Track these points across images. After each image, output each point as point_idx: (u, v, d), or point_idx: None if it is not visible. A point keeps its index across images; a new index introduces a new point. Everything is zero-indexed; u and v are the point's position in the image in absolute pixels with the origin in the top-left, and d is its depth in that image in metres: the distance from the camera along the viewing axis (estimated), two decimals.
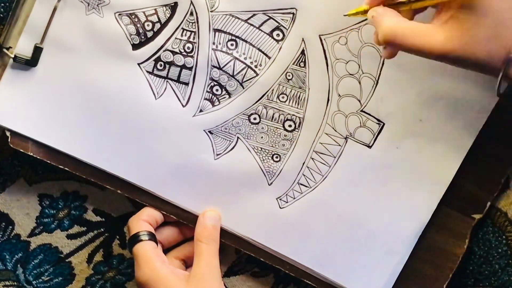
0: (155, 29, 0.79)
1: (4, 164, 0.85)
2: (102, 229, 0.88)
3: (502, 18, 0.65)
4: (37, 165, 0.85)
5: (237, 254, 0.88)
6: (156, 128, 0.81)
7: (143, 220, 0.83)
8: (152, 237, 0.82)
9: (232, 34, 0.79)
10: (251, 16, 0.79)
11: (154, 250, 0.81)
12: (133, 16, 0.79)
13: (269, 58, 0.80)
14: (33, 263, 0.88)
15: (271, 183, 0.83)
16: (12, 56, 0.78)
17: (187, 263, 0.84)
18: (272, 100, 0.81)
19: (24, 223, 0.87)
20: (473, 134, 0.80)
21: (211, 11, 0.79)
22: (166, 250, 0.85)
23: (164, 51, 0.79)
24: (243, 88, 0.80)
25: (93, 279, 0.90)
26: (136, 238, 0.81)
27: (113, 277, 0.90)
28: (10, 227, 0.87)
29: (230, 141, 0.82)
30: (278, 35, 0.79)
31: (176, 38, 0.79)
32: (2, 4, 0.80)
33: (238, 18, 0.79)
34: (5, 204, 0.86)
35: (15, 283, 0.89)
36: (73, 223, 0.87)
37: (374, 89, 0.80)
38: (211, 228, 0.82)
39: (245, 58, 0.80)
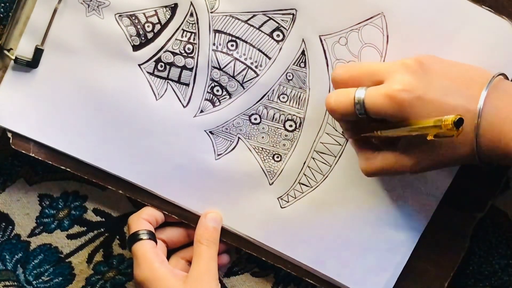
0: (156, 30, 0.81)
1: (4, 164, 0.86)
2: (102, 229, 0.89)
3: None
4: (37, 165, 0.86)
5: (238, 253, 0.89)
6: (157, 129, 0.83)
7: (143, 219, 0.84)
8: (152, 236, 0.84)
9: (232, 35, 0.81)
10: (251, 17, 0.80)
11: (153, 249, 0.83)
12: (133, 18, 0.80)
13: (270, 58, 0.81)
14: (33, 263, 0.90)
15: (272, 183, 0.85)
16: (13, 57, 0.80)
17: None
18: (272, 101, 0.83)
19: (24, 223, 0.88)
20: None
21: (211, 12, 0.80)
22: (173, 251, 0.87)
23: (164, 52, 0.81)
24: (244, 88, 0.82)
25: (93, 279, 0.91)
26: (135, 237, 0.83)
27: (113, 277, 0.91)
28: (10, 227, 0.88)
29: (231, 141, 0.84)
30: (278, 35, 0.81)
31: (176, 39, 0.81)
32: (2, 4, 0.82)
33: (238, 19, 0.80)
34: (5, 204, 0.88)
35: (15, 283, 0.90)
36: (73, 223, 0.89)
37: None
38: (212, 230, 0.84)
39: (246, 59, 0.81)
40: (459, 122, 0.66)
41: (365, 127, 0.77)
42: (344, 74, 0.77)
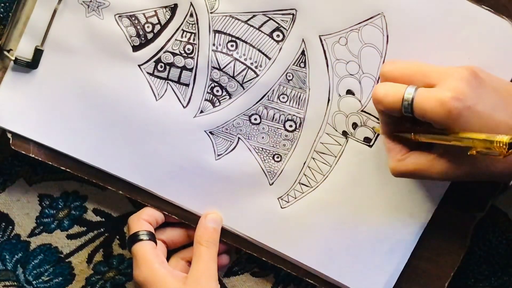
0: (155, 31, 0.81)
1: (4, 164, 0.87)
2: (102, 229, 0.90)
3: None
4: (37, 165, 0.87)
5: (238, 254, 0.90)
6: (157, 129, 0.83)
7: (143, 219, 0.85)
8: (152, 237, 0.84)
9: (232, 35, 0.81)
10: (251, 17, 0.81)
11: (153, 250, 0.83)
12: (133, 18, 0.81)
13: (269, 58, 0.82)
14: (33, 263, 0.90)
15: (272, 183, 0.85)
16: (13, 58, 0.80)
17: None
18: (272, 101, 0.83)
19: (24, 223, 0.89)
20: None
21: (211, 13, 0.81)
22: (173, 251, 0.87)
23: (164, 52, 0.82)
24: (244, 88, 0.82)
25: (93, 279, 0.91)
26: (135, 237, 0.83)
27: (113, 277, 0.91)
28: (10, 227, 0.89)
29: (231, 141, 0.84)
30: (278, 36, 0.81)
31: (176, 39, 0.81)
32: (2, 4, 0.82)
33: (238, 19, 0.81)
34: (5, 204, 0.88)
35: (15, 283, 0.90)
36: (73, 223, 0.89)
37: None
38: (212, 231, 0.84)
39: (245, 59, 0.82)
40: None
41: (404, 125, 0.78)
42: (395, 71, 0.76)
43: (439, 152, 0.75)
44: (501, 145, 0.66)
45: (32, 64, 0.81)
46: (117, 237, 0.90)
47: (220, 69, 0.82)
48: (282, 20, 0.81)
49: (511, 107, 0.72)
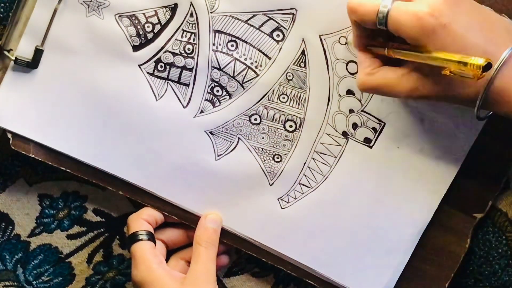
0: (155, 31, 0.82)
1: (4, 164, 0.87)
2: (102, 229, 0.90)
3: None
4: (37, 165, 0.87)
5: (238, 254, 0.90)
6: (157, 129, 0.83)
7: (143, 219, 0.85)
8: (151, 237, 0.84)
9: (232, 35, 0.82)
10: (251, 17, 0.81)
11: (151, 250, 0.84)
12: (133, 18, 0.81)
13: (270, 58, 0.82)
14: (33, 263, 0.91)
15: (272, 183, 0.86)
16: (13, 58, 0.80)
17: None
18: (272, 101, 0.83)
19: (24, 223, 0.89)
20: (475, 133, 0.83)
21: (211, 12, 0.81)
22: (173, 251, 0.88)
23: (164, 52, 0.82)
24: (244, 88, 0.83)
25: (93, 279, 0.92)
26: (135, 237, 0.84)
27: (113, 277, 0.92)
28: (10, 227, 0.89)
29: (231, 141, 0.84)
30: (278, 35, 0.82)
31: (176, 39, 0.82)
32: (2, 4, 0.82)
33: (238, 19, 0.81)
34: (5, 204, 0.89)
35: (15, 283, 0.91)
36: (73, 223, 0.90)
37: None
38: (211, 231, 0.85)
39: (246, 59, 0.82)
40: (486, 67, 0.65)
41: (377, 40, 0.77)
42: None
43: (409, 68, 0.74)
44: (475, 67, 0.65)
45: (32, 64, 0.81)
46: (117, 237, 0.91)
47: (220, 69, 0.83)
48: (282, 20, 0.82)
49: (485, 31, 0.71)
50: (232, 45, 0.82)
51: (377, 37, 0.77)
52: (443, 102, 0.75)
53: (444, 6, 0.70)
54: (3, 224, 0.89)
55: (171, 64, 0.83)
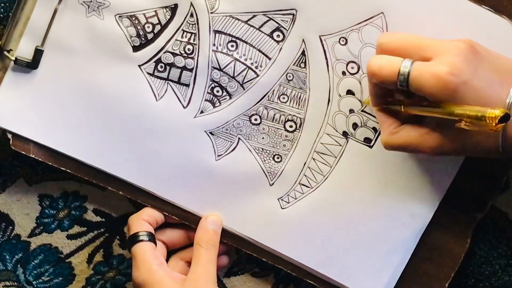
0: (156, 31, 0.82)
1: (4, 164, 0.87)
2: (102, 229, 0.90)
3: None
4: (37, 166, 0.87)
5: (237, 254, 0.90)
6: (157, 130, 0.84)
7: (143, 220, 0.85)
8: (152, 237, 0.85)
9: (232, 36, 0.82)
10: (251, 17, 0.82)
11: (152, 251, 0.84)
12: (133, 18, 0.82)
13: (270, 59, 0.83)
14: (33, 263, 0.91)
15: (273, 183, 0.86)
16: (13, 58, 0.81)
17: None
18: (272, 101, 0.84)
19: (24, 223, 0.89)
20: None
21: (211, 13, 0.81)
22: (173, 251, 0.88)
23: (164, 52, 0.82)
24: (244, 89, 0.83)
25: (93, 279, 0.92)
26: (135, 238, 0.84)
27: (113, 277, 0.92)
28: (10, 227, 0.89)
29: (231, 142, 0.85)
30: (278, 36, 0.82)
31: (176, 39, 0.82)
32: (2, 4, 0.83)
33: (238, 20, 0.82)
34: (5, 204, 0.89)
35: (15, 283, 0.91)
36: (73, 223, 0.90)
37: None
38: (212, 233, 0.85)
39: (246, 59, 0.82)
40: (504, 118, 0.66)
41: (394, 97, 0.78)
42: (392, 43, 0.76)
43: (432, 126, 0.75)
44: (493, 118, 0.66)
45: (32, 64, 0.82)
46: (117, 237, 0.91)
47: (220, 69, 0.83)
48: (282, 20, 0.82)
49: (507, 84, 0.72)
50: (232, 46, 0.83)
51: (396, 94, 0.78)
52: (470, 155, 0.78)
53: (463, 64, 0.71)
54: (3, 224, 0.89)
55: (171, 65, 0.83)
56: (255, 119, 0.85)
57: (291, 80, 0.84)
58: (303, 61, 0.83)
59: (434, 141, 0.75)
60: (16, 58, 0.81)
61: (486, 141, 0.73)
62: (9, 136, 0.84)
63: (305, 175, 0.86)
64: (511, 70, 0.74)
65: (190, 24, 0.82)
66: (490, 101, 0.70)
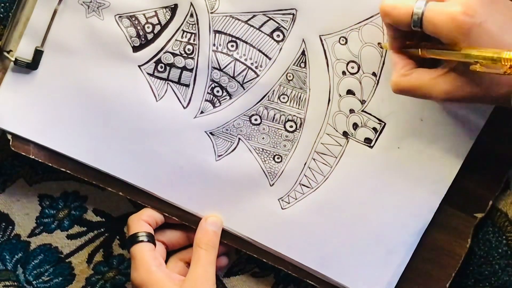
0: (156, 31, 0.82)
1: (4, 165, 0.88)
2: (102, 229, 0.91)
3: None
4: (37, 166, 0.87)
5: (237, 254, 0.91)
6: (157, 130, 0.84)
7: (143, 220, 0.86)
8: (151, 238, 0.85)
9: (232, 36, 0.82)
10: (251, 17, 0.82)
11: (151, 252, 0.84)
12: (133, 19, 0.82)
13: (270, 59, 0.83)
14: (33, 263, 0.91)
15: (273, 184, 0.86)
16: (13, 59, 0.81)
17: None
18: (273, 101, 0.84)
19: (24, 223, 0.90)
20: (475, 133, 0.83)
21: (211, 13, 0.82)
22: (172, 252, 0.88)
23: (164, 53, 0.83)
24: (244, 89, 0.83)
25: (93, 279, 0.92)
26: (135, 239, 0.85)
27: (113, 277, 0.93)
28: (10, 227, 0.90)
29: (231, 142, 0.85)
30: (278, 36, 0.82)
31: (176, 40, 0.82)
32: (2, 5, 0.83)
33: (238, 20, 0.82)
34: (5, 204, 0.89)
35: (15, 283, 0.91)
36: (73, 223, 0.90)
37: (375, 89, 0.83)
38: (211, 234, 0.85)
39: (246, 59, 0.83)
40: None
41: (411, 40, 0.77)
42: None
43: (445, 70, 0.75)
44: (507, 60, 0.65)
45: (32, 65, 0.82)
46: (117, 237, 0.92)
47: (220, 70, 0.83)
48: (282, 20, 0.82)
49: None
50: (232, 46, 0.83)
51: (411, 37, 0.77)
52: (478, 103, 0.77)
53: (478, 4, 0.70)
54: (3, 224, 0.90)
55: (171, 65, 0.83)
56: (255, 119, 0.85)
57: (291, 80, 0.84)
58: (303, 61, 0.83)
59: (445, 85, 0.74)
60: (16, 59, 0.81)
61: (499, 88, 0.72)
62: (9, 137, 0.84)
63: (306, 175, 0.86)
64: None
65: (190, 24, 0.82)
66: (504, 45, 0.69)
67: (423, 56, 0.76)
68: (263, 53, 0.83)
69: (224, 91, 0.84)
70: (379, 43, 0.82)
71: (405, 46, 0.77)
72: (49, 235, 0.91)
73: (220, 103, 0.84)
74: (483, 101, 0.75)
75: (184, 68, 0.83)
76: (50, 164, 0.85)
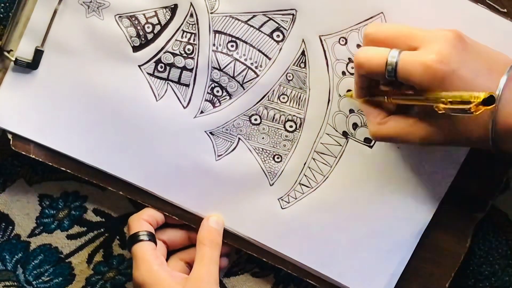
0: (155, 31, 0.83)
1: (4, 164, 0.88)
2: (102, 229, 0.91)
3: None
4: (37, 165, 0.88)
5: (237, 254, 0.91)
6: (157, 130, 0.84)
7: (144, 220, 0.86)
8: (152, 237, 0.85)
9: (232, 36, 0.83)
10: (251, 18, 0.82)
11: (152, 251, 0.84)
12: (133, 19, 0.82)
13: (270, 59, 0.83)
14: (33, 263, 0.91)
15: (273, 183, 0.86)
16: (13, 59, 0.81)
17: (192, 266, 0.85)
18: (272, 101, 0.84)
19: (24, 223, 0.90)
20: None
21: (211, 13, 0.82)
22: (172, 252, 0.88)
23: (164, 53, 0.83)
24: (244, 89, 0.84)
25: (93, 279, 0.92)
26: (135, 238, 0.85)
27: (113, 277, 0.93)
28: (10, 227, 0.90)
29: (231, 142, 0.85)
30: (278, 36, 0.83)
31: (176, 40, 0.83)
32: (2, 5, 0.83)
33: (238, 20, 0.82)
34: (5, 204, 0.89)
35: (15, 284, 0.91)
36: (73, 223, 0.90)
37: None
38: (215, 232, 0.85)
39: (246, 59, 0.83)
40: (489, 100, 0.66)
41: (378, 89, 0.78)
42: (379, 34, 0.76)
43: (420, 116, 0.76)
44: (478, 100, 0.66)
45: (32, 65, 0.82)
46: (117, 237, 0.92)
47: (220, 70, 0.84)
48: (282, 20, 0.83)
49: (494, 73, 0.72)
50: (232, 46, 0.83)
51: (379, 86, 0.79)
52: (462, 146, 0.78)
53: (452, 52, 0.71)
54: (3, 224, 0.90)
55: (171, 65, 0.84)
56: (255, 119, 0.85)
57: (291, 80, 0.84)
58: (303, 61, 0.84)
59: (423, 131, 0.75)
60: (16, 59, 0.82)
61: (475, 131, 0.73)
62: (9, 136, 0.84)
63: (305, 175, 0.86)
64: (498, 60, 0.74)
65: (190, 24, 0.83)
66: (477, 89, 0.70)
67: (390, 103, 0.77)
68: (263, 53, 0.84)
69: (224, 91, 0.84)
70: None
71: (371, 94, 0.79)
72: (49, 235, 0.91)
73: (220, 103, 0.85)
74: (461, 144, 0.77)
75: (184, 68, 0.84)
76: (51, 164, 0.86)
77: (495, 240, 0.87)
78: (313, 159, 0.86)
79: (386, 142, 0.81)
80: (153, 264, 0.83)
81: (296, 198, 0.87)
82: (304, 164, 0.86)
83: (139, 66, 0.84)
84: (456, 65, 0.71)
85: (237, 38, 0.83)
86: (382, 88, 0.79)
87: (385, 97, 0.77)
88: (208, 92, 0.84)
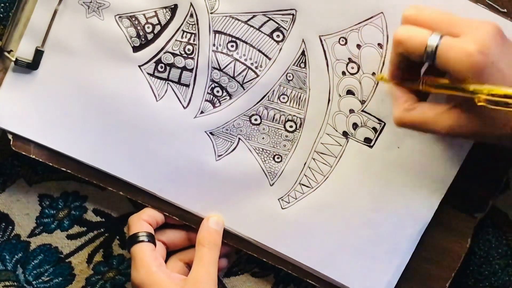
0: (156, 31, 0.83)
1: (4, 164, 0.88)
2: (102, 229, 0.91)
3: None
4: (37, 165, 0.88)
5: (237, 254, 0.91)
6: (157, 130, 0.84)
7: (144, 220, 0.86)
8: (151, 238, 0.85)
9: (232, 36, 0.83)
10: (251, 18, 0.82)
11: (151, 252, 0.84)
12: (133, 19, 0.82)
13: (270, 59, 0.83)
14: (33, 263, 0.91)
15: (273, 183, 0.87)
16: (13, 59, 0.82)
17: (191, 267, 0.85)
18: (273, 101, 0.85)
19: (24, 223, 0.90)
20: None
21: (211, 13, 0.82)
22: (172, 252, 0.88)
23: (164, 53, 0.83)
24: (244, 89, 0.84)
25: (93, 279, 0.93)
26: (135, 239, 0.85)
27: (113, 277, 0.93)
28: (10, 227, 0.90)
29: (231, 142, 0.85)
30: (278, 36, 0.83)
31: (176, 40, 0.83)
32: (2, 5, 0.83)
33: (238, 20, 0.82)
34: (5, 204, 0.89)
35: (15, 284, 0.92)
36: (73, 223, 0.91)
37: (375, 89, 0.83)
38: (214, 233, 0.85)
39: (246, 60, 0.83)
40: None
41: (414, 74, 0.77)
42: (420, 16, 0.75)
43: (449, 106, 0.75)
44: None
45: (32, 65, 0.83)
46: (117, 237, 0.92)
47: (220, 70, 0.84)
48: (282, 20, 0.83)
49: None
50: (232, 46, 0.83)
51: (415, 70, 0.77)
52: (481, 141, 0.77)
53: (492, 44, 0.71)
54: (3, 224, 0.90)
55: (171, 65, 0.84)
56: (255, 119, 0.86)
57: (291, 80, 0.84)
58: (303, 61, 0.84)
59: (449, 121, 0.74)
60: (16, 59, 0.82)
61: (503, 127, 0.73)
62: (10, 136, 0.84)
63: (305, 175, 0.87)
64: None
65: (190, 24, 0.83)
66: None
67: (425, 91, 0.76)
68: (263, 53, 0.84)
69: (224, 91, 0.84)
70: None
71: (406, 78, 0.78)
72: (49, 235, 0.91)
73: (220, 103, 0.85)
74: (486, 138, 0.75)
75: (184, 68, 0.84)
76: (51, 164, 0.86)
77: (495, 240, 0.88)
78: (313, 159, 0.86)
79: (410, 129, 0.78)
80: (151, 266, 0.83)
81: (296, 198, 0.87)
82: (304, 164, 0.86)
83: (139, 66, 0.84)
84: (495, 57, 0.70)
85: (237, 38, 0.83)
86: (417, 74, 0.77)
87: (422, 84, 0.76)
88: (208, 92, 0.84)
